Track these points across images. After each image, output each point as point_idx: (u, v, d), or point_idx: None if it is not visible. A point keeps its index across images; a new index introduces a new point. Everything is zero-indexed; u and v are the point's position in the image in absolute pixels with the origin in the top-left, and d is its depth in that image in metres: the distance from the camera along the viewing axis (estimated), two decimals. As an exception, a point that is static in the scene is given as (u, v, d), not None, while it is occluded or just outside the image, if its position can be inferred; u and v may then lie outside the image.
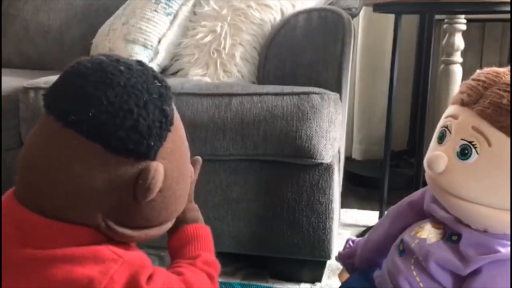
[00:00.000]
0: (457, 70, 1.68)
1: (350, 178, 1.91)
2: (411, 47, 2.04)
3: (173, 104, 0.61)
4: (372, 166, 2.07)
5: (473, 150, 0.60)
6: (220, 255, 1.24)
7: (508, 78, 0.62)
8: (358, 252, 0.81)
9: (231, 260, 1.23)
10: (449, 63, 1.68)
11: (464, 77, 1.69)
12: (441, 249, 0.65)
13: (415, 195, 0.76)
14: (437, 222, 0.68)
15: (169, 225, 0.65)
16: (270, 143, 1.02)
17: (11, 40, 1.69)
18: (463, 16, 1.65)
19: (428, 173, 0.66)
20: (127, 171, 0.55)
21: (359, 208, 1.66)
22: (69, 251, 0.55)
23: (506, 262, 0.61)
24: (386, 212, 0.80)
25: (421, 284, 0.65)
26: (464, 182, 0.62)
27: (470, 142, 0.61)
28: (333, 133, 1.02)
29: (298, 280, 1.14)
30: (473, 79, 0.65)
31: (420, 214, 0.73)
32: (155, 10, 1.34)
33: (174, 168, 0.60)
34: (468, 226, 0.64)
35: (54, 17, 1.67)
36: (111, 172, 0.55)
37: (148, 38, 1.32)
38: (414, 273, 0.66)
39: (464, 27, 1.66)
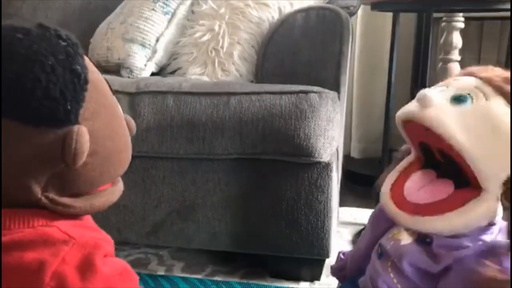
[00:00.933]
0: (455, 68, 1.68)
1: (348, 177, 1.91)
2: (409, 45, 2.04)
3: (85, 61, 0.58)
4: (370, 164, 2.07)
5: (469, 99, 0.61)
6: (219, 254, 1.24)
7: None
8: (348, 262, 0.81)
9: (230, 259, 1.23)
10: (447, 61, 1.68)
11: (462, 75, 1.70)
12: (414, 249, 0.65)
13: None
14: None
15: (115, 193, 0.64)
16: (269, 142, 1.02)
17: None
18: (461, 14, 1.65)
19: (410, 111, 0.65)
20: (51, 140, 0.54)
21: (357, 206, 1.66)
22: (18, 237, 0.54)
23: (474, 257, 0.62)
24: (368, 219, 0.80)
25: (398, 286, 0.65)
26: (450, 122, 0.60)
27: (468, 94, 0.62)
28: (331, 132, 1.02)
29: (297, 279, 1.14)
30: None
31: None
32: (153, 9, 1.34)
33: (102, 126, 0.58)
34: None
35: (51, 16, 1.67)
36: (35, 146, 0.53)
37: (146, 37, 1.32)
38: (391, 275, 0.66)
39: (462, 25, 1.66)
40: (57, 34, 0.56)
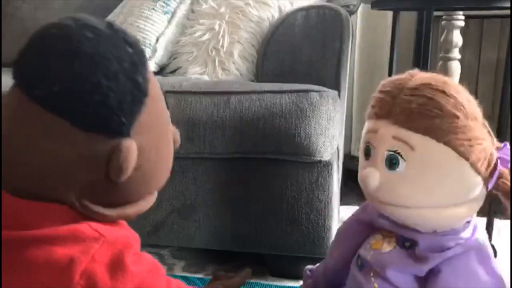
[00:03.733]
0: (456, 67, 1.68)
1: (349, 175, 1.90)
2: (410, 44, 2.03)
3: (148, 72, 0.55)
4: (371, 163, 2.06)
5: (400, 158, 0.61)
6: (220, 253, 1.24)
7: (413, 82, 0.63)
8: (322, 279, 0.81)
9: (231, 258, 1.23)
10: (447, 59, 1.68)
11: (463, 74, 1.70)
12: (396, 256, 0.66)
13: (361, 211, 0.77)
14: (388, 232, 0.69)
15: (148, 202, 0.62)
16: (269, 141, 1.01)
17: (8, 39, 1.68)
18: (461, 12, 1.65)
19: (365, 191, 0.67)
20: (98, 148, 0.51)
21: (358, 204, 1.65)
22: (49, 231, 0.53)
23: (461, 257, 0.63)
24: (335, 235, 0.81)
25: None
26: (401, 191, 0.62)
27: (395, 151, 0.62)
28: (332, 131, 1.02)
29: (298, 277, 1.14)
30: (381, 91, 0.66)
31: (371, 227, 0.73)
32: (153, 9, 1.34)
33: (151, 143, 0.55)
34: (417, 231, 0.65)
35: (52, 15, 1.65)
36: (80, 149, 0.51)
37: (146, 37, 1.32)
38: (376, 285, 0.66)
39: (462, 23, 1.66)
40: (125, 39, 0.54)
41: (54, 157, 0.52)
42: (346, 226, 0.78)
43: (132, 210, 0.59)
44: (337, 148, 1.11)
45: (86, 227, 0.54)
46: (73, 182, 0.53)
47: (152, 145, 0.56)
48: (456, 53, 1.68)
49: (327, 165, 1.04)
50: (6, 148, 0.53)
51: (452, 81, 0.64)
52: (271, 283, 1.12)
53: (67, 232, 0.53)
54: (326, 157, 1.03)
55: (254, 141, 1.02)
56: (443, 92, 0.61)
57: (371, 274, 0.67)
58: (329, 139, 1.01)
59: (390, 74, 1.62)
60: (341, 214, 1.50)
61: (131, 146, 0.52)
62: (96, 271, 0.52)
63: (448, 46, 1.67)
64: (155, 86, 0.57)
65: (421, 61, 1.44)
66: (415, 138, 0.60)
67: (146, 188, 0.59)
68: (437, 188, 0.61)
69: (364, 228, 0.74)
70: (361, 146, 0.67)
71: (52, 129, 0.51)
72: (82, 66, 0.50)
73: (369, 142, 0.65)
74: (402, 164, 0.61)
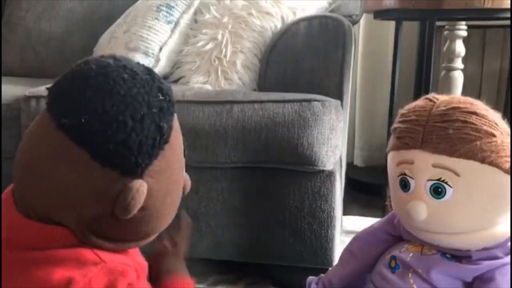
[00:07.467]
0: (458, 77, 1.68)
1: (352, 185, 1.90)
2: (412, 54, 2.04)
3: (173, 120, 0.58)
4: (374, 172, 2.06)
5: (446, 186, 0.61)
6: (222, 263, 1.24)
7: (439, 108, 0.62)
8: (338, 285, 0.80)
9: (234, 268, 1.22)
10: (450, 69, 1.68)
11: (466, 84, 1.70)
12: (440, 260, 0.65)
13: (386, 224, 0.76)
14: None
15: (150, 239, 0.63)
16: (272, 151, 1.01)
17: (12, 48, 1.69)
18: (463, 22, 1.65)
19: (409, 223, 0.66)
20: (110, 184, 0.53)
21: (361, 214, 1.66)
22: (51, 253, 0.54)
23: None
24: (352, 244, 0.79)
25: None
26: (452, 218, 0.62)
27: (439, 180, 0.61)
28: (334, 140, 1.02)
29: (300, 288, 1.14)
30: (404, 121, 0.65)
31: (396, 239, 0.73)
32: (156, 18, 1.34)
33: (162, 187, 0.57)
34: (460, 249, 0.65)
35: (55, 25, 1.68)
36: (94, 182, 0.53)
37: (150, 46, 1.32)
38: (415, 286, 0.66)
39: (465, 33, 1.67)
40: (159, 86, 0.56)
41: (69, 184, 0.54)
42: (368, 235, 0.77)
43: (131, 245, 0.61)
44: (340, 157, 1.11)
45: (88, 251, 0.56)
46: (81, 211, 0.55)
47: (162, 189, 0.57)
48: (458, 63, 1.68)
49: (330, 174, 1.04)
50: (27, 169, 0.56)
51: (477, 101, 0.64)
52: (273, 293, 1.12)
53: (70, 255, 0.55)
54: (328, 166, 1.02)
55: (256, 151, 1.02)
56: (475, 113, 0.60)
57: (409, 276, 0.66)
58: (331, 148, 1.01)
59: (392, 84, 1.62)
60: (343, 224, 1.50)
61: (141, 187, 0.54)
62: None
63: (450, 56, 1.67)
64: (177, 134, 0.59)
65: (423, 70, 1.44)
66: (459, 164, 0.60)
67: (147, 229, 0.60)
68: (488, 208, 0.61)
69: (389, 238, 0.74)
70: (394, 179, 0.66)
71: (71, 158, 0.53)
72: (113, 104, 0.52)
73: (404, 174, 0.64)
74: (449, 192, 0.61)
